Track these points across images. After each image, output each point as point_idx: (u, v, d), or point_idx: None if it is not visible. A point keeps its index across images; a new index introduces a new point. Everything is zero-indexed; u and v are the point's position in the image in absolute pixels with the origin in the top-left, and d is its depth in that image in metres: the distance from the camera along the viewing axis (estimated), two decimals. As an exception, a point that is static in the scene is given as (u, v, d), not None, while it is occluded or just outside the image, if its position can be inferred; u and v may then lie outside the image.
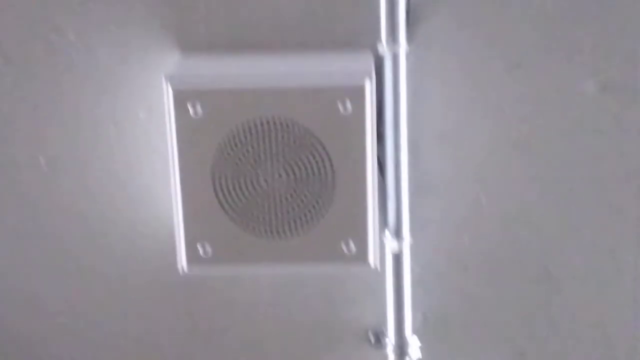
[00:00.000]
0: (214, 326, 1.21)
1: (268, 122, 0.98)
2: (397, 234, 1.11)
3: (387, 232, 1.11)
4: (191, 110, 0.97)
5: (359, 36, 1.05)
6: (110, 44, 1.07)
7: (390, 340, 1.16)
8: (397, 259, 1.13)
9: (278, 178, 1.00)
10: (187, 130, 0.98)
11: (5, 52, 1.08)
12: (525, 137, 1.10)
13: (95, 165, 1.12)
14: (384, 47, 1.04)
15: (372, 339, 1.19)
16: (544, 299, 1.18)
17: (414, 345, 1.16)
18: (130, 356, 1.23)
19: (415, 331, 1.17)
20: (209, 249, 1.03)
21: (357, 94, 0.97)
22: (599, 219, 1.14)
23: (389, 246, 1.11)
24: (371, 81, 0.97)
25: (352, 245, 1.03)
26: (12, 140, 1.12)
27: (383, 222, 1.11)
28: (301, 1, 1.04)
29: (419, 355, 1.17)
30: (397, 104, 1.06)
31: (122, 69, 1.08)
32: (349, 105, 0.97)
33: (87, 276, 1.19)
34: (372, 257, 1.03)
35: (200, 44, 1.06)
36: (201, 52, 1.06)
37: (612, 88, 1.07)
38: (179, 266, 1.03)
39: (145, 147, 1.11)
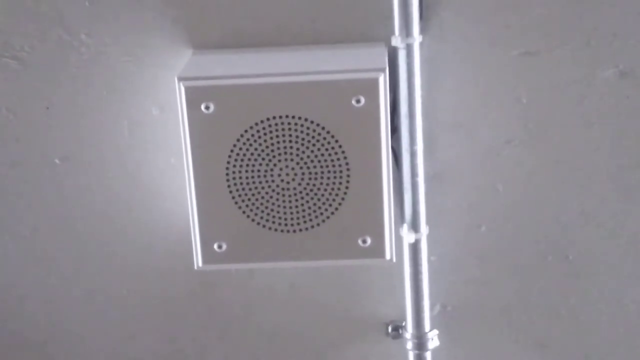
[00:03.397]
0: (231, 318, 1.22)
1: (281, 118, 0.97)
2: (414, 225, 1.10)
3: (404, 224, 1.10)
4: (204, 109, 0.97)
5: (372, 29, 1.04)
6: (122, 42, 1.06)
7: (408, 332, 1.16)
8: (414, 250, 1.12)
9: (292, 174, 0.99)
10: (200, 128, 0.98)
11: (18, 53, 1.07)
12: (542, 125, 1.09)
13: (109, 164, 1.13)
14: (397, 40, 1.02)
15: (391, 331, 1.19)
16: (563, 288, 1.17)
17: (433, 337, 1.16)
18: (148, 348, 1.24)
19: (433, 322, 1.17)
20: (224, 245, 1.03)
21: (371, 89, 0.96)
22: (618, 207, 1.12)
23: (406, 238, 1.10)
24: (384, 75, 0.96)
25: (368, 239, 1.02)
26: (26, 140, 1.12)
27: (400, 214, 1.10)
28: (313, -5, 1.04)
29: (437, 343, 1.17)
30: (412, 96, 1.05)
31: (134, 67, 1.07)
32: (362, 99, 0.96)
33: (104, 271, 1.20)
34: (389, 251, 1.03)
35: (213, 42, 1.06)
36: (213, 50, 1.06)
37: (631, 74, 1.05)
38: (195, 262, 1.03)
39: (159, 144, 1.11)
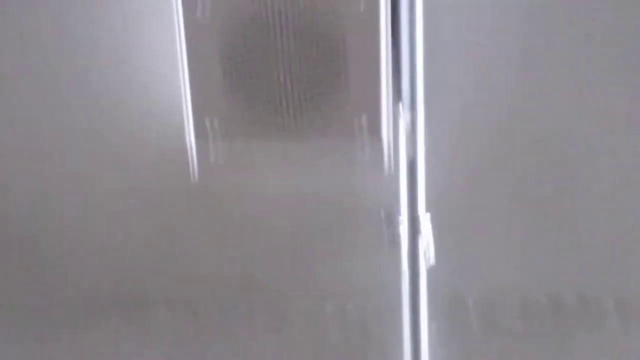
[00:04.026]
0: (226, 213, 1.20)
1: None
2: (412, 105, 1.07)
3: (400, 104, 1.07)
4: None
5: None
6: None
7: (402, 218, 1.15)
8: (411, 131, 1.09)
9: (288, 51, 0.96)
10: (195, 8, 0.93)
11: None
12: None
13: (105, 52, 1.09)
14: None
15: (385, 218, 1.18)
16: (551, 165, 1.15)
17: (426, 224, 1.15)
18: (143, 242, 1.23)
19: (428, 209, 1.16)
20: (216, 122, 1.00)
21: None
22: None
23: (403, 118, 1.08)
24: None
25: (364, 119, 0.99)
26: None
27: (397, 94, 1.07)
28: None
29: (430, 235, 1.16)
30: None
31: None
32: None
33: (99, 165, 1.18)
34: (385, 131, 1.00)
35: None
36: None
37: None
38: (187, 138, 1.00)
39: (154, 27, 1.07)
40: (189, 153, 1.01)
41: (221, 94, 0.97)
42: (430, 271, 1.18)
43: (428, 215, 1.15)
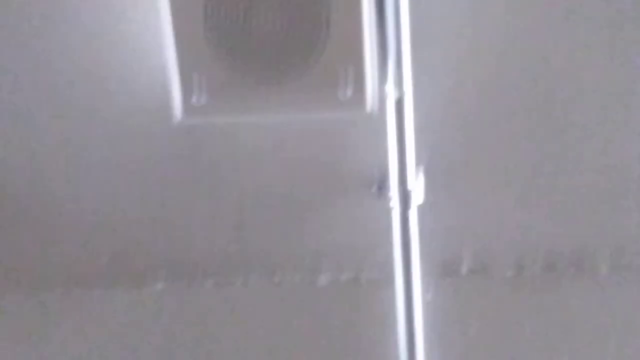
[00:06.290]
0: (216, 178, 1.21)
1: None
2: (398, 80, 1.09)
3: (388, 80, 1.09)
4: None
5: None
6: None
7: (393, 190, 1.16)
8: (399, 106, 1.11)
9: (271, 18, 0.97)
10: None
11: None
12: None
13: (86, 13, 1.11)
14: None
15: (376, 189, 1.18)
16: (548, 140, 1.15)
17: (418, 193, 1.15)
18: (131, 209, 1.24)
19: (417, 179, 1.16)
20: (203, 96, 1.01)
21: None
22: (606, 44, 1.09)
23: (390, 93, 1.09)
24: None
25: (349, 89, 1.01)
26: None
27: (384, 71, 1.08)
28: None
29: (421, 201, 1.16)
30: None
31: None
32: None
33: (87, 131, 1.19)
34: (370, 101, 1.01)
35: None
36: None
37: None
38: (175, 112, 1.02)
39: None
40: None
41: (205, 47, 0.99)
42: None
43: (421, 177, 1.16)
